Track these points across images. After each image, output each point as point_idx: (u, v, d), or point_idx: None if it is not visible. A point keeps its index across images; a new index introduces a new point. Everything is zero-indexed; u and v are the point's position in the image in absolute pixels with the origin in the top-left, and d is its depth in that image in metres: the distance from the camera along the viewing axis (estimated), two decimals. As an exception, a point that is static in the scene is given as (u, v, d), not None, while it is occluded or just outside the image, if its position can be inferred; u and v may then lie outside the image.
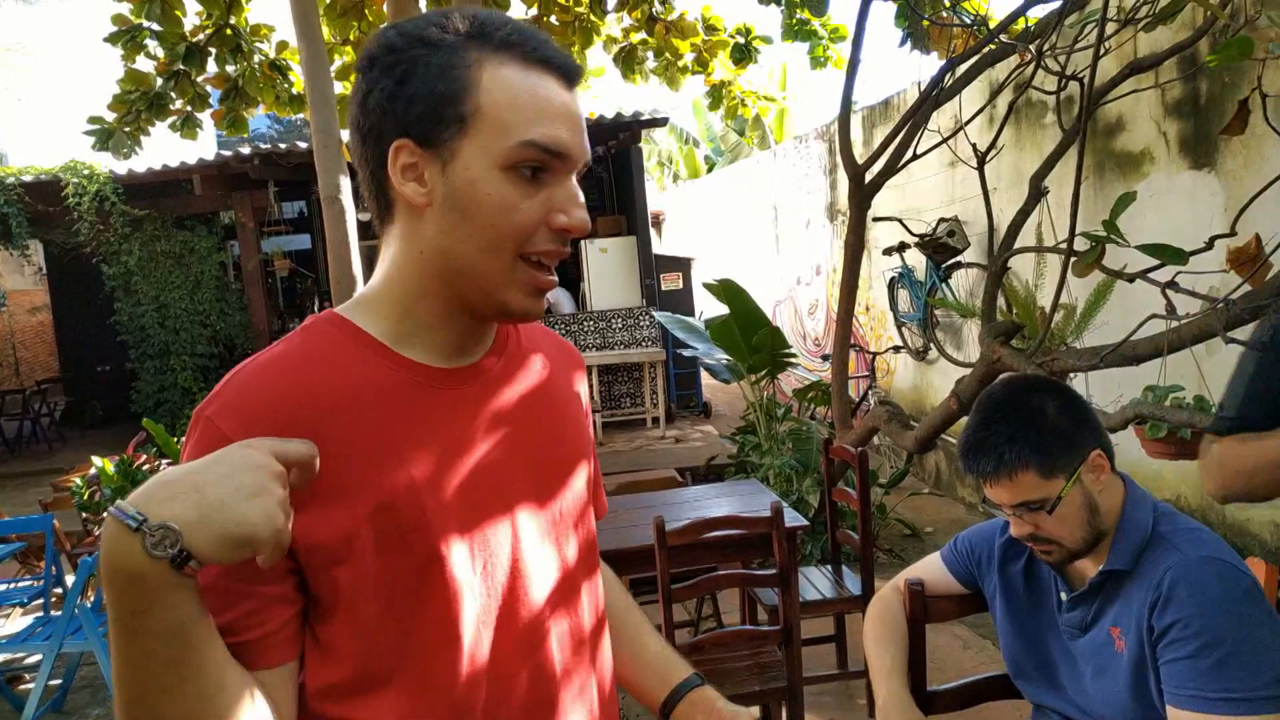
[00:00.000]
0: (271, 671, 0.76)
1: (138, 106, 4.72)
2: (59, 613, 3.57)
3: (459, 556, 0.81)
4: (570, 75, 0.82)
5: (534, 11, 5.09)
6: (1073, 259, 2.21)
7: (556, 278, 0.84)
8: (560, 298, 8.77)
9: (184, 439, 0.78)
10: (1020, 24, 3.42)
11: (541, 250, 0.80)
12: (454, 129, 0.77)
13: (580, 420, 1.00)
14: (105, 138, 4.77)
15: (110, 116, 4.77)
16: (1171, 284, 2.11)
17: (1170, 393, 2.27)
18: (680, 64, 5.42)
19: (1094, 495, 1.35)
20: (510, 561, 0.85)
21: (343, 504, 0.76)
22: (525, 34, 0.80)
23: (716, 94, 5.75)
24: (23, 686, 3.91)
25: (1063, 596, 1.45)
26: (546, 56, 0.80)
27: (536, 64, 0.80)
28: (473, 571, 0.82)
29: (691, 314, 8.82)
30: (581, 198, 0.82)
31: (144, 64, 4.74)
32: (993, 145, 3.39)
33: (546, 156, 0.78)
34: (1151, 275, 2.15)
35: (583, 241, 8.17)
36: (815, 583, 3.22)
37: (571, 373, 1.00)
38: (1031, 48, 2.90)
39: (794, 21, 4.96)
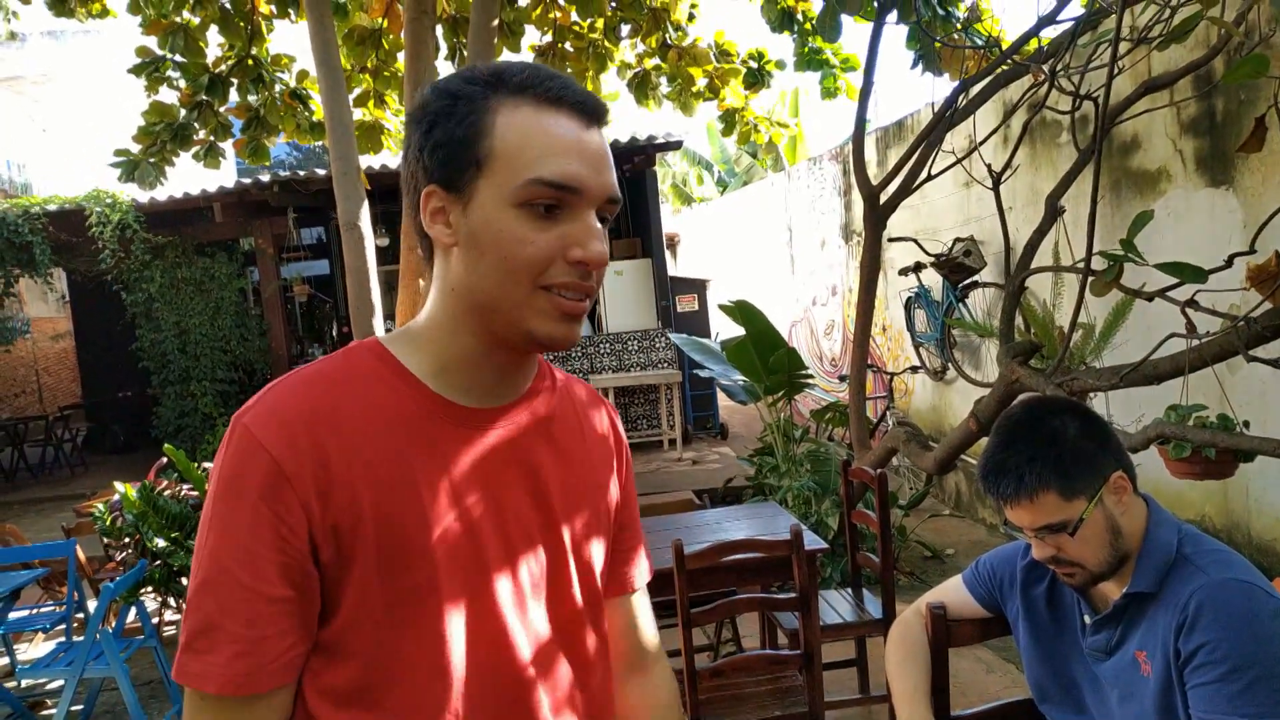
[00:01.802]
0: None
1: (162, 138, 4.81)
2: (81, 638, 3.59)
3: (453, 593, 0.83)
4: (590, 112, 0.84)
5: (548, 38, 5.16)
6: (1091, 278, 2.20)
7: (586, 304, 0.85)
8: (576, 321, 8.85)
9: (222, 443, 0.82)
10: (1033, 45, 3.44)
11: (559, 282, 0.82)
12: (472, 172, 0.82)
13: (607, 479, 1.01)
14: (131, 169, 4.85)
15: (136, 148, 4.86)
16: (1191, 302, 2.10)
17: (1193, 412, 2.24)
18: (694, 89, 5.46)
19: (1116, 517, 1.34)
20: (502, 606, 0.86)
21: (354, 520, 0.79)
22: (542, 75, 0.83)
23: (730, 120, 5.79)
24: (45, 712, 3.93)
25: (1086, 619, 1.43)
26: (562, 95, 0.83)
27: (551, 103, 0.83)
28: (463, 610, 0.84)
29: (707, 335, 8.83)
30: (599, 231, 0.84)
31: (167, 95, 4.83)
32: (1008, 165, 3.39)
33: (557, 192, 0.81)
34: (1171, 294, 2.14)
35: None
36: (835, 606, 3.19)
37: (601, 431, 1.02)
38: (1045, 68, 2.90)
39: (806, 50, 5.01)
